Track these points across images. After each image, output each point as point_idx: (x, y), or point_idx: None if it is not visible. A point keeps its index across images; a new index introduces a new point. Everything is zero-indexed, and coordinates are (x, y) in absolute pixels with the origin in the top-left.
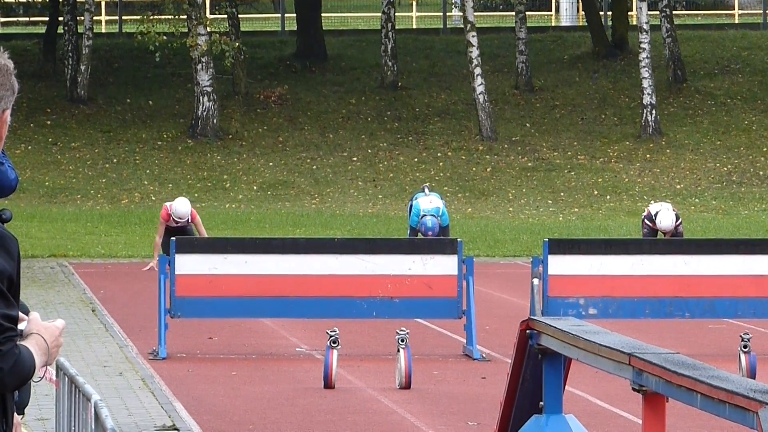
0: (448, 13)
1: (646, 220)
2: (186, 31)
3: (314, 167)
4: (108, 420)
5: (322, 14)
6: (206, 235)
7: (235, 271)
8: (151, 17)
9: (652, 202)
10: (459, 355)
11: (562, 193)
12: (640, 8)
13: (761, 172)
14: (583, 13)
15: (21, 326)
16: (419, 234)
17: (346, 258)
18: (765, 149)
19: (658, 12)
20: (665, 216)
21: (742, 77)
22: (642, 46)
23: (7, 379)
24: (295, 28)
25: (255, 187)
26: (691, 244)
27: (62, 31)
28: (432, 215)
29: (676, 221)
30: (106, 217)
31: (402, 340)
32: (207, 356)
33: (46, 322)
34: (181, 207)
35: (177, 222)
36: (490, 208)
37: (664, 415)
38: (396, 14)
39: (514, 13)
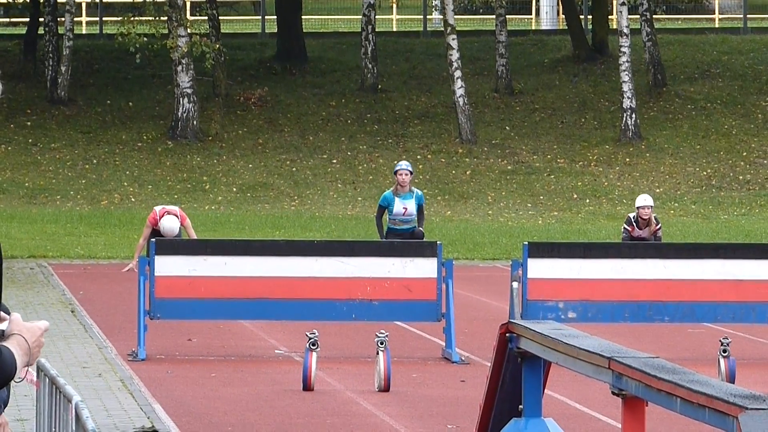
0: (428, 16)
1: (625, 225)
2: (166, 32)
3: (294, 169)
4: (89, 421)
5: (303, 16)
6: (196, 238)
7: (215, 273)
8: (132, 18)
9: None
10: (438, 358)
11: (541, 197)
12: (621, 12)
13: (741, 177)
14: (564, 16)
15: (2, 326)
16: (395, 189)
17: (325, 260)
18: (745, 153)
19: (638, 16)
20: (642, 196)
21: (722, 81)
22: (622, 50)
23: None
24: (276, 30)
25: (234, 189)
26: (670, 249)
27: (43, 31)
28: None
29: (656, 225)
30: (86, 218)
31: (381, 343)
32: (186, 358)
33: (27, 323)
34: (168, 224)
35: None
36: (470, 211)
37: (644, 420)
38: (376, 17)
39: (494, 17)
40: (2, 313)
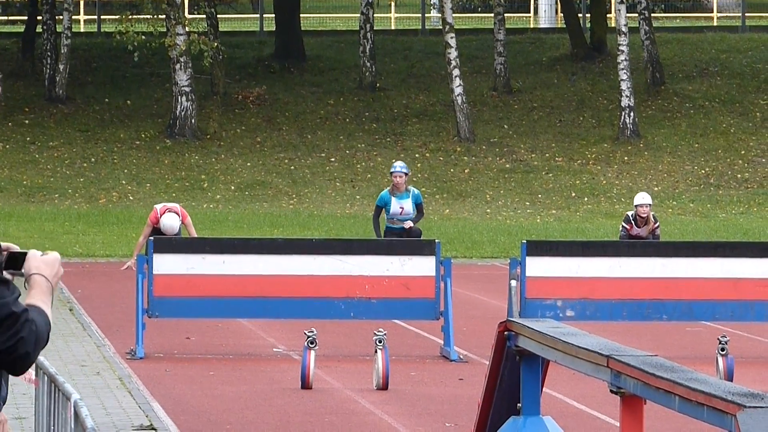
0: (426, 15)
1: (624, 224)
2: (165, 30)
3: (292, 168)
4: (88, 419)
5: (301, 15)
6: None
7: (213, 271)
8: (130, 17)
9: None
10: (436, 356)
11: (539, 195)
12: (619, 11)
13: (739, 175)
14: (562, 15)
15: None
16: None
17: (323, 258)
18: (743, 152)
19: (636, 14)
20: (640, 193)
21: (721, 80)
22: (620, 48)
23: (33, 356)
24: (274, 29)
25: (233, 187)
26: (668, 247)
27: (41, 30)
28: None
29: (654, 223)
30: (84, 217)
31: (379, 341)
32: (184, 356)
33: (44, 257)
34: (169, 221)
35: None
36: (468, 210)
37: (642, 418)
38: (375, 15)
39: (492, 15)
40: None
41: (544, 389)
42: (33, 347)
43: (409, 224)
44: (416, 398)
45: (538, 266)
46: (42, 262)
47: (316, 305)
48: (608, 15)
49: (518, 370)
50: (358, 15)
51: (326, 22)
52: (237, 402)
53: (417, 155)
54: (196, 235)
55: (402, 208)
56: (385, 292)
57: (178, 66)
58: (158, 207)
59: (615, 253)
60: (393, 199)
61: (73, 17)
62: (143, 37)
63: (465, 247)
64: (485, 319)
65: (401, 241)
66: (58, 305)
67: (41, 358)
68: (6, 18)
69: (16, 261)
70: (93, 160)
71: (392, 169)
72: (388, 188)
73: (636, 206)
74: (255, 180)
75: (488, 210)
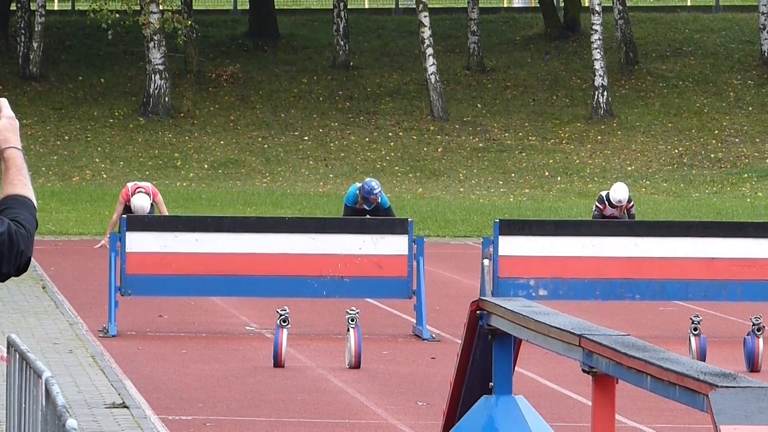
0: None
1: (597, 203)
2: (138, 9)
3: (265, 146)
4: (59, 397)
5: None
6: (167, 214)
7: (186, 250)
8: None
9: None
10: (409, 335)
11: (513, 174)
12: None
13: (712, 155)
14: None
15: None
16: (360, 203)
17: (296, 237)
18: (716, 132)
19: None
20: (619, 187)
21: (694, 60)
22: (594, 27)
23: (31, 252)
24: (248, 7)
25: (206, 166)
26: (641, 226)
27: (15, 8)
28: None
29: (629, 203)
30: (57, 195)
31: (352, 320)
32: (157, 334)
33: (4, 122)
34: (140, 202)
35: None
36: (441, 189)
37: (614, 397)
38: None
39: None
40: None
41: (516, 368)
42: (29, 246)
43: None
44: (388, 377)
45: (510, 245)
46: (7, 131)
47: (289, 284)
48: None
49: (490, 350)
50: None
51: (300, 1)
52: (209, 380)
53: (390, 134)
54: (166, 213)
55: (368, 215)
56: (357, 271)
57: (151, 44)
58: (130, 185)
59: (588, 232)
60: (363, 207)
61: None
62: (117, 15)
63: (438, 226)
64: (458, 298)
65: (374, 219)
66: (31, 283)
67: (13, 335)
68: None
69: None
70: (66, 138)
71: (367, 192)
72: (359, 193)
73: (613, 203)
74: (228, 158)
75: (461, 189)
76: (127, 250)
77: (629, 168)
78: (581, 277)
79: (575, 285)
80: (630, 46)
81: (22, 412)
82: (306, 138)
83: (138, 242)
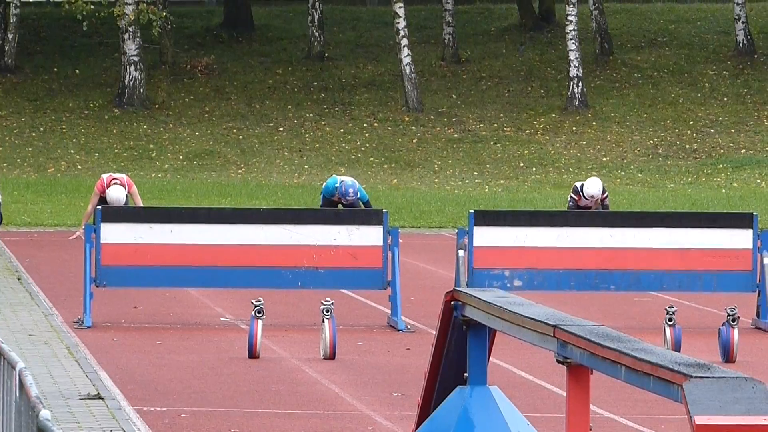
0: None
1: (572, 194)
2: (113, 0)
3: (240, 137)
4: (33, 388)
5: None
6: (142, 205)
7: (161, 241)
8: None
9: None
10: (384, 326)
11: (488, 165)
12: None
13: (687, 146)
14: None
15: None
16: (337, 202)
17: (271, 228)
18: (691, 122)
19: None
20: (593, 182)
21: (669, 50)
22: (569, 18)
23: None
24: None
25: (181, 157)
26: (616, 217)
27: None
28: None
29: (603, 194)
30: (33, 186)
31: (327, 311)
32: (132, 325)
33: None
34: (115, 194)
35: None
36: (416, 179)
37: (588, 388)
38: None
39: None
40: None
41: (490, 359)
42: None
43: None
44: (363, 368)
45: (485, 236)
46: None
47: (264, 274)
48: None
49: (465, 340)
50: None
51: None
52: (184, 371)
53: (365, 125)
54: (141, 205)
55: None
56: (332, 262)
57: (126, 35)
58: (105, 177)
59: (563, 223)
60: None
61: None
62: (92, 6)
63: (413, 217)
64: (433, 288)
65: (349, 210)
66: (6, 274)
67: None
68: None
69: None
70: (41, 129)
71: (343, 195)
72: (337, 190)
73: (588, 197)
74: (203, 149)
75: (436, 180)
76: (102, 242)
77: (604, 159)
78: (556, 268)
79: (550, 276)
80: (605, 36)
81: None
82: (281, 129)
83: (113, 233)
